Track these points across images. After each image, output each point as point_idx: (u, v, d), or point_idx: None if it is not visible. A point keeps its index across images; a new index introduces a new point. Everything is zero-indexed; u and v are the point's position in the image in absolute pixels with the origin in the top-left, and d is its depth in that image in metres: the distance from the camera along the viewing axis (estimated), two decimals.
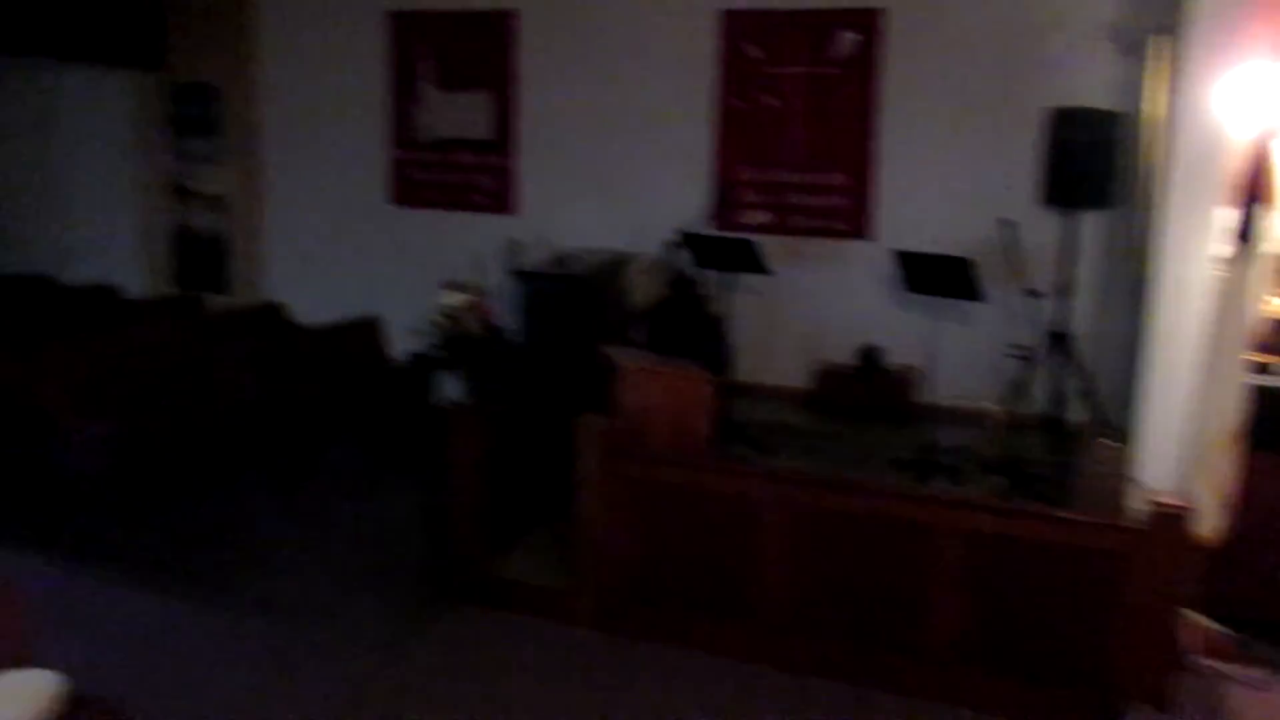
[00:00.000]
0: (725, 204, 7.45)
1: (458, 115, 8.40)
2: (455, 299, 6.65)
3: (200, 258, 9.33)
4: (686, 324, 6.87)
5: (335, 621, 4.66)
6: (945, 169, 7.11)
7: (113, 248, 9.55)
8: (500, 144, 8.30)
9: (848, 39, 7.24)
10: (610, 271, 7.14)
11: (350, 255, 8.84)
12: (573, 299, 6.55)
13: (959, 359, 6.85)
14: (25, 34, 7.88)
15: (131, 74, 9.08)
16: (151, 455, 5.73)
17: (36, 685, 2.90)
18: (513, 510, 5.15)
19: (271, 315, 8.13)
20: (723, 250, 6.41)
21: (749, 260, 6.20)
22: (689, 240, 6.53)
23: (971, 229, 6.66)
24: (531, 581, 4.84)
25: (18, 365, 6.26)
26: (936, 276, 5.87)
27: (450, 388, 6.67)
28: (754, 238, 6.34)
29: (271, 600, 4.84)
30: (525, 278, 6.69)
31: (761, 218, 7.55)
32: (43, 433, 5.68)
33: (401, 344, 7.35)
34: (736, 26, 7.50)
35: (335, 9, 8.59)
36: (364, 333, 7.61)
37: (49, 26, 8.06)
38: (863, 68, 7.23)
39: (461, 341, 6.56)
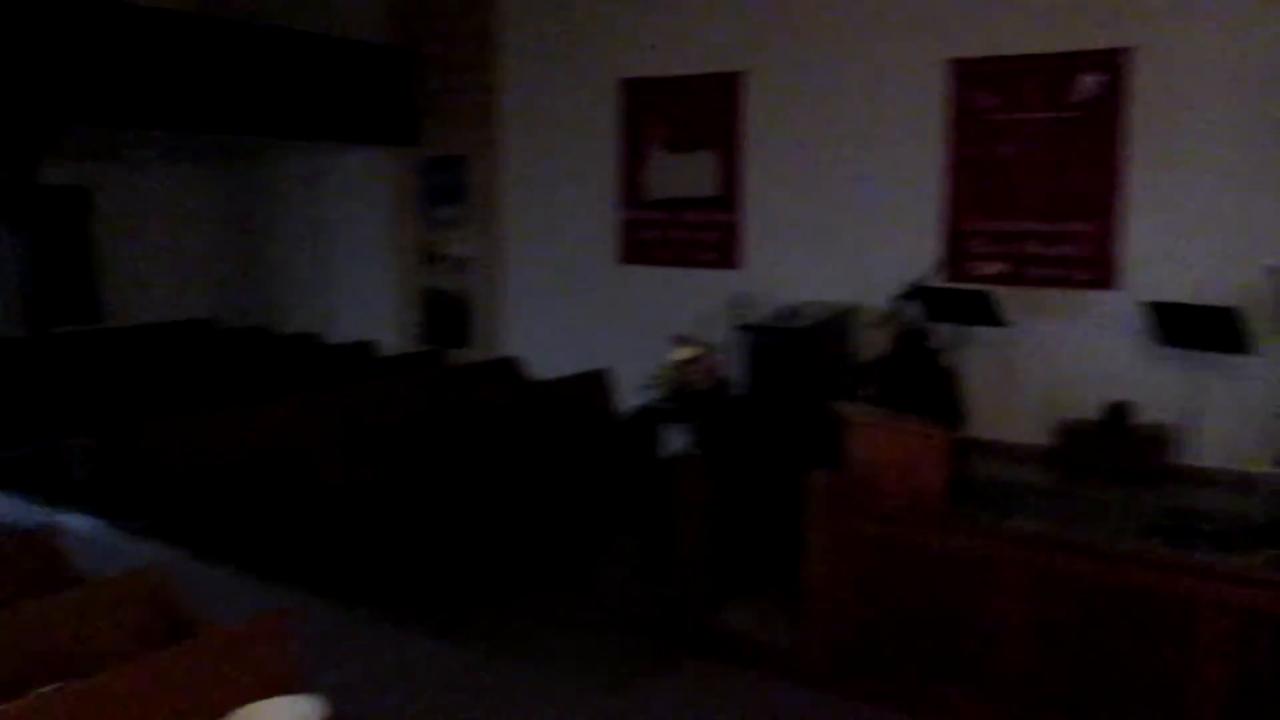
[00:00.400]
0: (957, 255, 7.22)
1: (684, 174, 8.63)
2: (683, 353, 6.76)
3: (446, 315, 9.99)
4: (918, 377, 6.67)
5: (562, 665, 4.79)
6: (1202, 214, 6.58)
7: (371, 307, 10.40)
8: (726, 200, 8.44)
9: (1089, 81, 6.90)
10: (837, 324, 7.06)
11: (581, 311, 9.20)
12: (798, 352, 6.51)
13: (1222, 417, 6.28)
14: (304, 121, 8.80)
15: (390, 150, 9.92)
16: (403, 499, 6.13)
17: (303, 710, 3.15)
18: (737, 562, 5.14)
19: (507, 369, 8.57)
20: (956, 302, 6.21)
21: (984, 312, 5.98)
22: (920, 292, 6.37)
23: (1234, 277, 6.14)
24: (757, 636, 4.79)
25: (286, 416, 6.90)
26: (1197, 328, 5.44)
27: (676, 440, 6.76)
28: (989, 289, 6.10)
29: (503, 642, 5.04)
30: (751, 331, 6.72)
31: (995, 268, 7.26)
32: (307, 478, 6.21)
33: (629, 397, 7.54)
34: (967, 74, 7.33)
35: (571, 81, 9.06)
36: (593, 385, 7.88)
37: (324, 114, 8.96)
38: (1107, 109, 6.86)
39: (688, 394, 6.66)
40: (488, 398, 7.42)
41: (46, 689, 2.87)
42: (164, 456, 6.49)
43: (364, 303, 10.47)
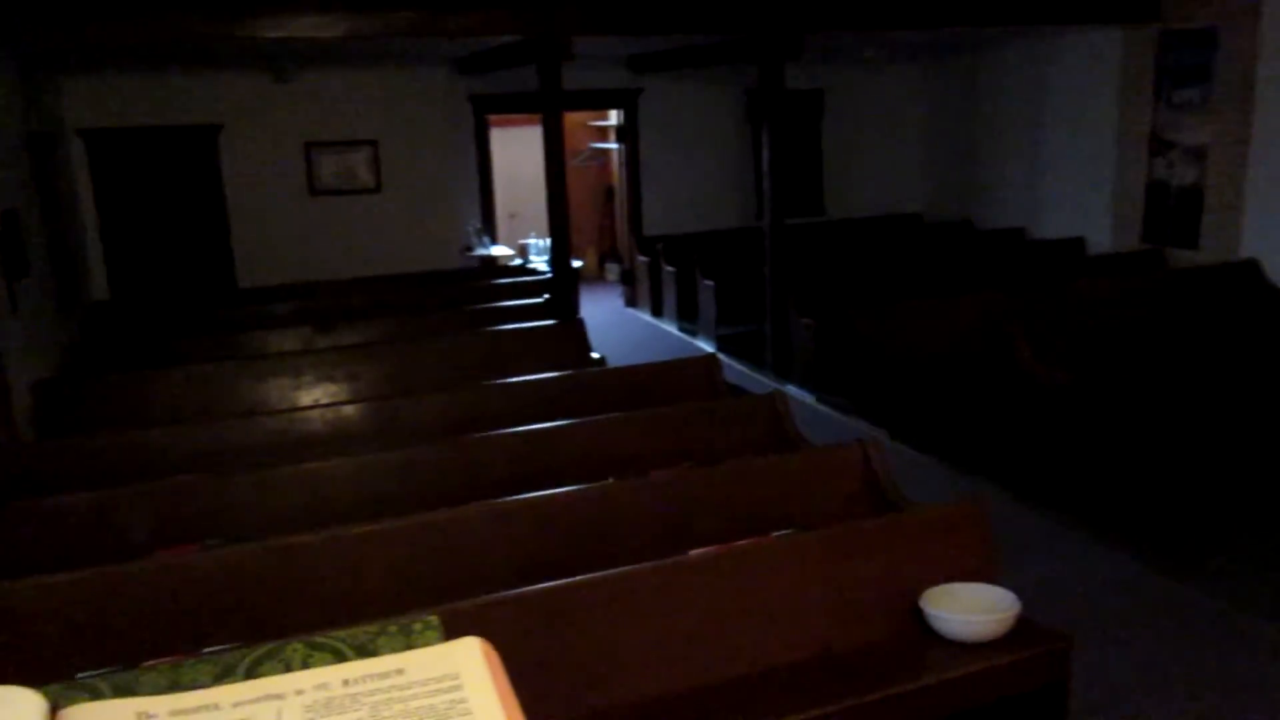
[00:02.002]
0: None
1: None
2: None
3: (1170, 211, 8.97)
4: None
5: None
6: None
7: (1083, 202, 9.77)
8: None
9: None
10: None
11: None
12: None
13: None
14: (1033, 3, 8.41)
15: (1122, 28, 9.04)
16: (1108, 407, 5.76)
17: (998, 598, 3.17)
18: None
19: (1247, 273, 7.45)
20: None
21: None
22: None
23: None
24: None
25: (989, 310, 6.86)
26: None
27: None
28: None
29: (1239, 587, 4.48)
30: None
31: None
32: (1006, 374, 6.13)
33: None
34: None
35: None
36: None
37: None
38: None
39: None
40: (1221, 306, 6.54)
41: (781, 532, 3.28)
42: (872, 341, 6.93)
43: (1075, 197, 9.86)
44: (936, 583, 3.26)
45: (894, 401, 6.83)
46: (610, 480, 3.82)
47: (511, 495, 3.66)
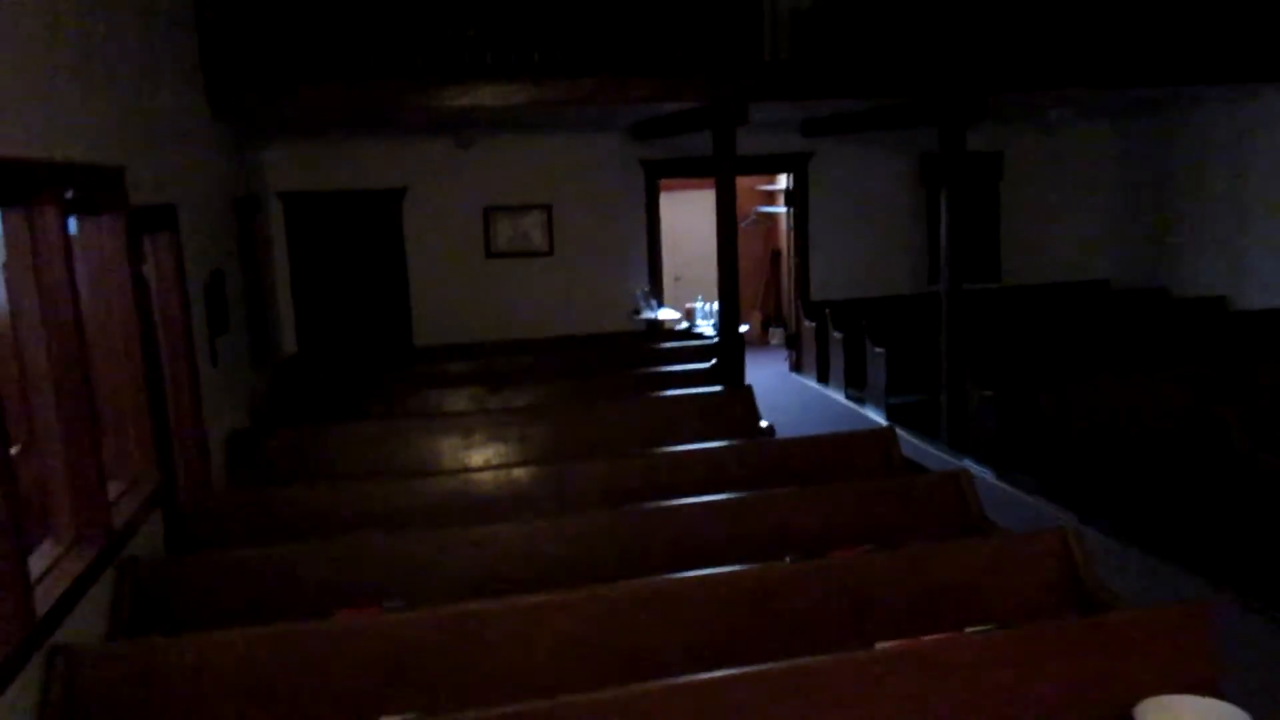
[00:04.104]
0: None
1: None
2: None
3: None
4: None
5: None
6: None
7: None
8: None
9: None
10: None
11: None
12: None
13: None
14: (1236, 63, 7.91)
15: None
16: None
17: (1228, 717, 2.82)
18: None
19: None
20: None
21: None
22: None
23: None
24: None
25: (1192, 385, 6.34)
26: None
27: None
28: None
29: None
30: None
31: None
32: (1216, 458, 5.62)
33: None
34: None
35: None
36: None
37: (1257, 51, 7.93)
38: None
39: None
40: None
41: (975, 629, 3.04)
42: (1060, 418, 6.51)
43: None
44: (1152, 694, 2.94)
45: (1084, 483, 6.37)
46: (788, 560, 3.65)
47: (682, 569, 3.55)
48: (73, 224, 3.62)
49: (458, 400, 6.82)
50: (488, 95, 6.47)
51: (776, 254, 13.15)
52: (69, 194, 3.36)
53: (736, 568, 3.53)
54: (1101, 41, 7.64)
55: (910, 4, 7.49)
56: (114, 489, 3.72)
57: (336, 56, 6.25)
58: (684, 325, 10.42)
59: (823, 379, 10.42)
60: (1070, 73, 7.63)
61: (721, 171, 7.25)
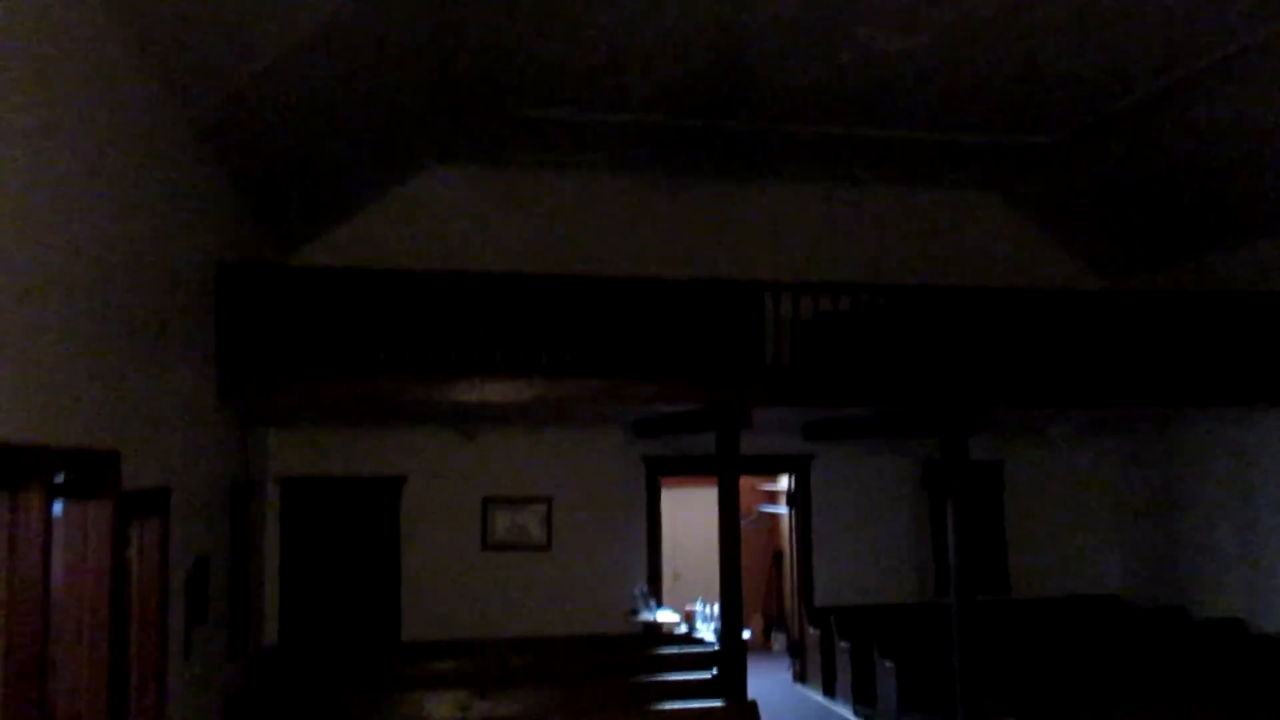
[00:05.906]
0: None
1: None
2: None
3: None
4: None
5: None
6: None
7: None
8: None
9: None
10: None
11: None
12: None
13: None
14: (1235, 385, 8.11)
15: None
16: None
17: None
18: None
19: None
20: None
21: None
22: None
23: None
24: None
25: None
26: None
27: None
28: None
29: None
30: None
31: None
32: None
33: None
34: None
35: None
36: None
37: (1257, 374, 8.14)
38: None
39: None
40: None
41: None
42: None
43: None
44: None
45: None
46: None
47: None
48: (58, 505, 3.50)
49: (442, 705, 6.39)
50: (496, 392, 6.56)
51: (778, 554, 12.89)
52: (59, 478, 3.27)
53: None
54: (1102, 363, 7.84)
55: (912, 320, 7.77)
56: None
57: (349, 351, 6.38)
58: (683, 629, 10.00)
59: (829, 691, 9.85)
60: (1074, 392, 7.78)
61: (725, 474, 7.22)
